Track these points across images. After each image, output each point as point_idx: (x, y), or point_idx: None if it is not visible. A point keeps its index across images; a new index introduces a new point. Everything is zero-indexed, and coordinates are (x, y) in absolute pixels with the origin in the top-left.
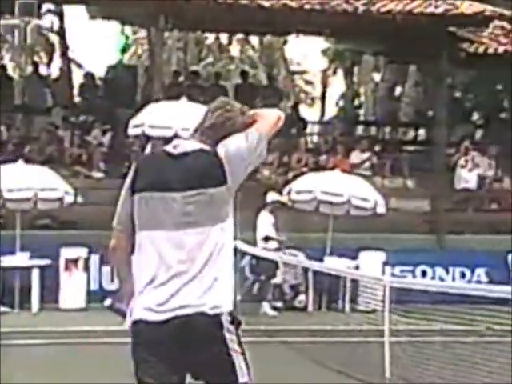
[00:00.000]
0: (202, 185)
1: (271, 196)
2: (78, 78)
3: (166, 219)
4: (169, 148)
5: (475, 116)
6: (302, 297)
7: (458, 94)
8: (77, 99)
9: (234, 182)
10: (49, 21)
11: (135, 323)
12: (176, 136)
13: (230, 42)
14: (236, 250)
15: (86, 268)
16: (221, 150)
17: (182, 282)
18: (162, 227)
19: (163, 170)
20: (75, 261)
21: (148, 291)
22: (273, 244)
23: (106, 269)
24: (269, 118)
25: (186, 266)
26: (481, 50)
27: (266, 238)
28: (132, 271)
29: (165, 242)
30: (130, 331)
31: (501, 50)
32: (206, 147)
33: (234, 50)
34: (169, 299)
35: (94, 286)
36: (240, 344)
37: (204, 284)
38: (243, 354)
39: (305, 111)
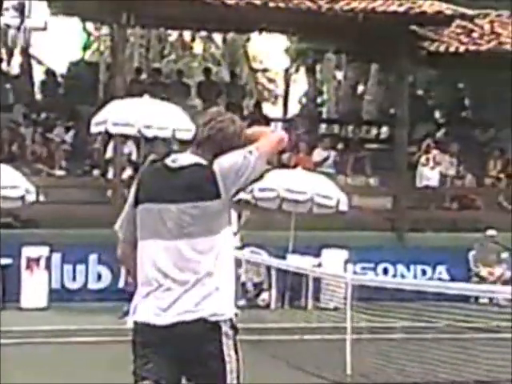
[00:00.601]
0: (196, 198)
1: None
2: (39, 74)
3: (164, 230)
4: (168, 161)
5: (437, 114)
6: (264, 295)
7: (419, 93)
8: (38, 96)
9: (228, 196)
10: (8, 17)
11: (137, 324)
12: (139, 133)
13: (193, 40)
14: None
15: (48, 267)
16: (216, 166)
17: (181, 290)
18: (160, 237)
19: (162, 182)
20: (37, 260)
21: (150, 298)
22: (236, 242)
23: (68, 267)
24: (271, 138)
25: (184, 275)
26: (442, 48)
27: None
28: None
29: (163, 252)
30: (133, 330)
31: (462, 49)
32: (203, 161)
33: (197, 47)
34: (170, 306)
35: (55, 285)
36: (236, 350)
37: (203, 292)
38: (238, 360)
39: (267, 109)
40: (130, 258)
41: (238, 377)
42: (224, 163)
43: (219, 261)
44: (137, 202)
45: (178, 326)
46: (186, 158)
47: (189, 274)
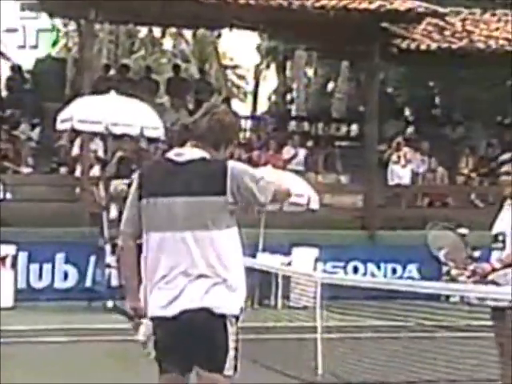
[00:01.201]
0: (203, 191)
1: None
2: (4, 71)
3: (170, 222)
4: (172, 156)
5: (407, 112)
6: None
7: (390, 90)
8: (4, 93)
9: (232, 200)
10: None
11: (152, 320)
12: (107, 130)
13: (162, 36)
14: None
15: (14, 266)
16: (231, 164)
17: (186, 281)
18: (166, 229)
19: (169, 176)
20: (3, 258)
21: (158, 289)
22: None
23: (34, 266)
24: (284, 186)
25: (189, 267)
26: (413, 46)
27: None
28: (135, 271)
29: (169, 243)
30: (151, 326)
31: (433, 46)
32: (207, 155)
33: (167, 43)
34: (176, 297)
35: (21, 285)
36: (237, 340)
37: (207, 284)
38: (236, 349)
39: (237, 106)
40: (132, 253)
41: (235, 365)
42: (238, 166)
43: (224, 257)
44: (140, 198)
45: (183, 315)
46: (192, 152)
47: (193, 266)
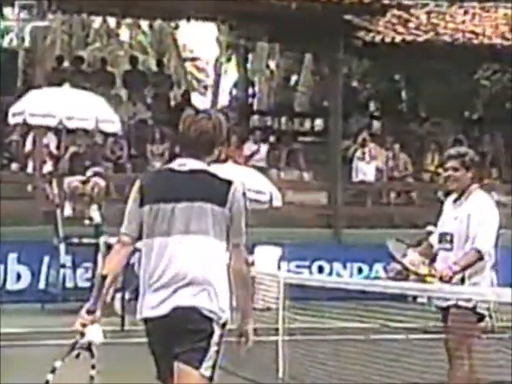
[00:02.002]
0: (203, 198)
1: None
2: None
3: (170, 227)
4: (175, 166)
5: (372, 106)
6: None
7: (354, 84)
8: None
9: (228, 214)
10: None
11: (145, 321)
12: (60, 124)
13: (118, 26)
14: None
15: None
16: (234, 190)
17: (181, 284)
18: (166, 234)
19: (171, 184)
20: None
21: (151, 292)
22: None
23: None
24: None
25: (185, 270)
26: (378, 39)
27: None
28: (115, 276)
29: (169, 248)
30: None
31: (398, 39)
32: (206, 166)
33: (124, 34)
34: (166, 298)
35: None
36: (219, 345)
37: (198, 288)
38: (217, 353)
39: (196, 99)
40: (124, 257)
41: (213, 366)
42: (241, 195)
43: (216, 265)
44: (142, 204)
45: (174, 312)
46: (193, 164)
47: (187, 270)
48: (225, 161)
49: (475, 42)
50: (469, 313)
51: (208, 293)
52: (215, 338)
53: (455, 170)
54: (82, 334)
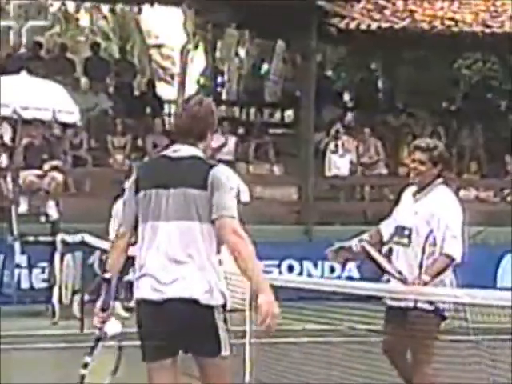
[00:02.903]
0: (186, 184)
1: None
2: None
3: (162, 212)
4: (169, 152)
5: (346, 97)
6: None
7: (328, 73)
8: None
9: (210, 196)
10: None
11: (138, 303)
12: (15, 114)
13: (77, 11)
14: (85, 244)
15: None
16: (216, 171)
17: (175, 269)
18: (158, 219)
19: (163, 170)
20: None
21: (147, 276)
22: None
23: None
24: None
25: (178, 254)
26: (352, 25)
27: None
28: (116, 270)
29: (160, 233)
30: (136, 308)
31: (374, 26)
32: (200, 153)
33: (84, 19)
34: (165, 283)
35: None
36: (225, 321)
37: (194, 273)
38: (228, 330)
39: (162, 89)
40: (124, 251)
41: (231, 347)
42: (221, 174)
43: (203, 249)
44: (137, 191)
45: (171, 303)
46: (187, 150)
47: (181, 254)
48: None
49: (455, 29)
50: (430, 315)
51: (204, 278)
52: (219, 321)
53: (421, 163)
54: (100, 329)
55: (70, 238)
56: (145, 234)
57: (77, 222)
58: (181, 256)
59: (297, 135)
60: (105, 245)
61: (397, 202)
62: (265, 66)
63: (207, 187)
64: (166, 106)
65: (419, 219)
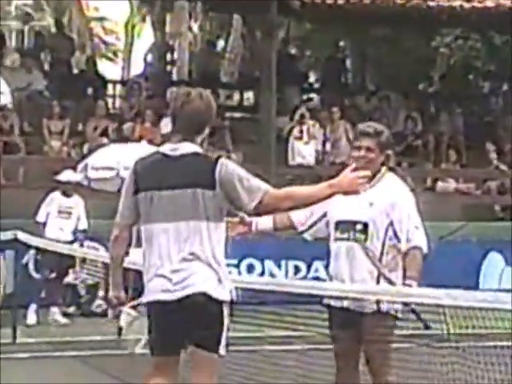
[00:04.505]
0: (193, 184)
1: (67, 175)
2: None
3: (165, 214)
4: (167, 151)
5: (312, 78)
6: (100, 300)
7: (292, 51)
8: None
9: (222, 195)
10: None
11: (149, 304)
12: None
13: None
14: (17, 241)
15: None
16: (221, 167)
17: (183, 268)
18: (162, 221)
19: (164, 170)
20: None
21: (156, 277)
22: (66, 234)
23: None
24: (287, 203)
25: (186, 253)
26: None
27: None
28: (122, 262)
29: (166, 234)
30: (146, 310)
31: (341, 0)
32: (200, 150)
33: None
34: (175, 283)
35: None
36: (228, 320)
37: (202, 272)
38: (228, 329)
39: (105, 67)
40: (125, 243)
41: (227, 348)
42: (229, 165)
43: (214, 249)
44: (137, 191)
45: (181, 300)
46: (185, 147)
47: (188, 253)
48: (138, 140)
49: (432, 3)
50: (387, 318)
51: (211, 277)
52: (226, 319)
53: (369, 150)
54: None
55: (0, 235)
56: (150, 236)
57: (8, 217)
58: (188, 255)
59: (257, 120)
60: (40, 242)
61: None
62: (220, 43)
63: (215, 186)
64: (109, 87)
65: (376, 211)
